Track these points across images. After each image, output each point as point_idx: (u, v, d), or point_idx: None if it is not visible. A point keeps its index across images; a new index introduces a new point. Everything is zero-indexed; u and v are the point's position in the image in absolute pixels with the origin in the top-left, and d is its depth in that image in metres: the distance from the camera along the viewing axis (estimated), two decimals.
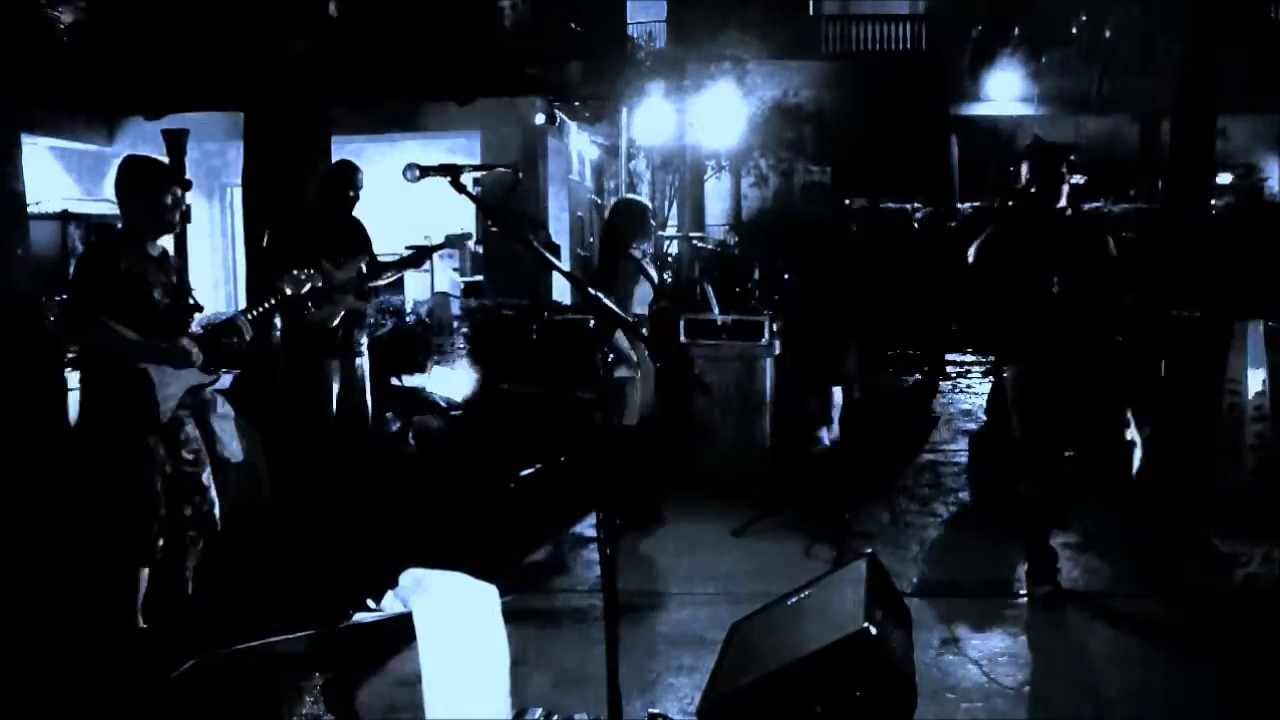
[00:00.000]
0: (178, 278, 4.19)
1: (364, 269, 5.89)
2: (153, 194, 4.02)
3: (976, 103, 20.22)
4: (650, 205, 6.82)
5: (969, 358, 11.55)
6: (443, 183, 2.87)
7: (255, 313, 4.28)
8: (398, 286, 13.31)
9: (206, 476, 4.20)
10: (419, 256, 6.58)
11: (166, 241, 4.25)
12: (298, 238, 5.81)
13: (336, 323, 5.77)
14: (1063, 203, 4.61)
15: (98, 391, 4.02)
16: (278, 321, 5.83)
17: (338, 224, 5.90)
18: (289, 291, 4.42)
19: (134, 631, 4.00)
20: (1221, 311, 6.96)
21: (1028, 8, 15.41)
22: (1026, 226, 4.73)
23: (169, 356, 3.97)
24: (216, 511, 4.20)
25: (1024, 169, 4.67)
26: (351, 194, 5.92)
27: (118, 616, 4.05)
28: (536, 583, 5.07)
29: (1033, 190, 4.63)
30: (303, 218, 6.20)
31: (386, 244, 6.43)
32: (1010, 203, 4.99)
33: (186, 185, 4.16)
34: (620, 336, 5.40)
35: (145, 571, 4.04)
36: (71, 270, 4.23)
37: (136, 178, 4.07)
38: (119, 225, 4.17)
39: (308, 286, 4.49)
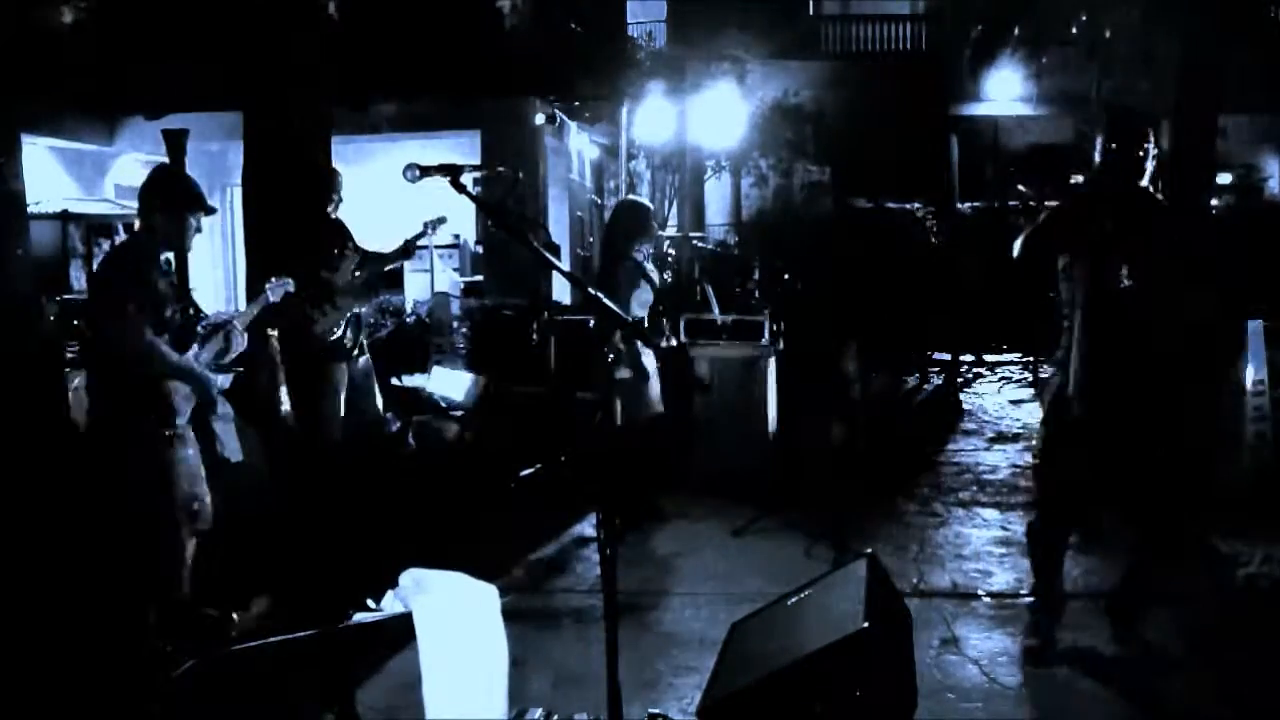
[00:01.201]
0: (178, 289, 4.24)
1: (358, 269, 5.89)
2: (181, 214, 4.08)
3: (976, 103, 20.21)
4: (652, 206, 6.83)
5: (968, 358, 11.55)
6: (443, 183, 2.87)
7: (244, 317, 4.36)
8: (398, 286, 13.37)
9: (201, 475, 4.22)
10: (404, 250, 6.46)
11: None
12: (291, 241, 5.84)
13: (341, 331, 5.77)
14: (1145, 181, 3.94)
15: (123, 399, 4.02)
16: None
17: (322, 228, 5.91)
18: (271, 298, 4.45)
19: (143, 632, 4.04)
20: (1221, 311, 6.95)
21: (1028, 8, 15.39)
22: (1098, 206, 3.95)
23: (200, 381, 4.06)
24: (209, 511, 4.22)
25: (1099, 140, 3.98)
26: (335, 198, 5.93)
27: (119, 617, 4.06)
28: (536, 583, 5.07)
29: (1111, 163, 3.92)
30: (291, 223, 6.21)
31: (386, 244, 6.43)
32: (1078, 182, 4.29)
33: (210, 211, 4.20)
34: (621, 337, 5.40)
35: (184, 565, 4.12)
36: (98, 276, 4.26)
37: (170, 193, 4.12)
38: (134, 228, 4.22)
39: (284, 292, 4.52)
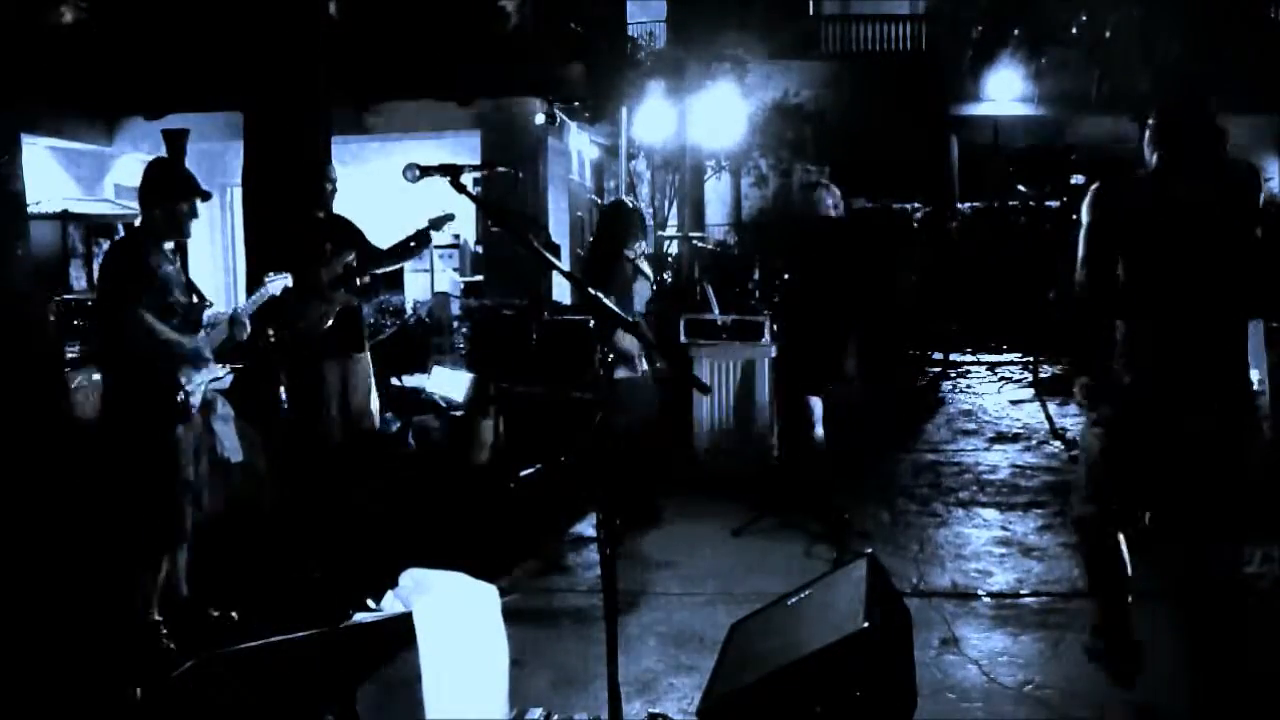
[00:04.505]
0: (186, 276, 4.33)
1: (352, 264, 5.82)
2: (175, 203, 4.20)
3: (976, 103, 20.22)
4: (640, 206, 6.82)
5: (969, 358, 11.55)
6: (443, 183, 2.87)
7: (247, 307, 4.50)
8: (397, 286, 13.37)
9: (199, 471, 4.29)
10: (408, 245, 6.30)
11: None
12: (284, 240, 5.83)
13: (330, 324, 5.73)
14: (1194, 176, 3.24)
15: (128, 385, 4.13)
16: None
17: (318, 223, 5.86)
18: (271, 290, 4.55)
19: (146, 623, 4.07)
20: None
21: (1028, 8, 15.41)
22: (1135, 210, 3.26)
23: (193, 355, 4.16)
24: (204, 504, 4.30)
25: (1149, 127, 3.31)
26: (327, 189, 5.87)
27: (118, 616, 4.07)
28: (536, 583, 5.07)
29: (1158, 155, 3.23)
30: (287, 220, 6.18)
31: (386, 244, 6.41)
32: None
33: (206, 196, 4.30)
34: (621, 336, 5.40)
35: (180, 556, 4.23)
36: (100, 266, 4.40)
37: (162, 184, 4.25)
38: (135, 223, 4.32)
39: (283, 285, 4.62)
